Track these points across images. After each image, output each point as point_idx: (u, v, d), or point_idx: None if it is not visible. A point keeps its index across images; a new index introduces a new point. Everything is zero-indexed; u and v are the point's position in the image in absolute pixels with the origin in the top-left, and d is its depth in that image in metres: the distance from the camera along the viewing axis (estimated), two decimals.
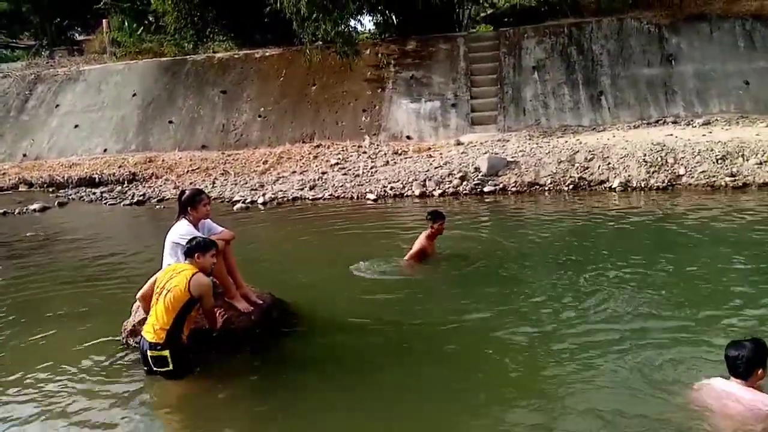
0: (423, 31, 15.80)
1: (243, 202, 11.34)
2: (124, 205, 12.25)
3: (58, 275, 7.40)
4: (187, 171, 13.96)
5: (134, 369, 4.60)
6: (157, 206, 11.95)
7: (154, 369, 4.29)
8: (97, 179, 14.17)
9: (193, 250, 4.49)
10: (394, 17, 17.79)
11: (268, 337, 4.90)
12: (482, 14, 19.50)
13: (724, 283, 5.55)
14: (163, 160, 14.76)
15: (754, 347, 3.30)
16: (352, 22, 16.61)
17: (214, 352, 4.70)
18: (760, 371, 3.29)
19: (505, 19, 17.08)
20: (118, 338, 5.05)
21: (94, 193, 13.20)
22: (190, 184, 12.84)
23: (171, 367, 4.24)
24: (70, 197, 13.23)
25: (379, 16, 18.28)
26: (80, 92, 17.88)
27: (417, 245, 6.57)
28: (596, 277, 5.92)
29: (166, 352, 4.23)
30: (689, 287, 5.54)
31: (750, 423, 3.23)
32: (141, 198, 12.54)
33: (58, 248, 8.98)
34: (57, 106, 17.81)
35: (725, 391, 3.36)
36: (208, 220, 5.20)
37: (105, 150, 16.19)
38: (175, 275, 4.38)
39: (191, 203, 5.03)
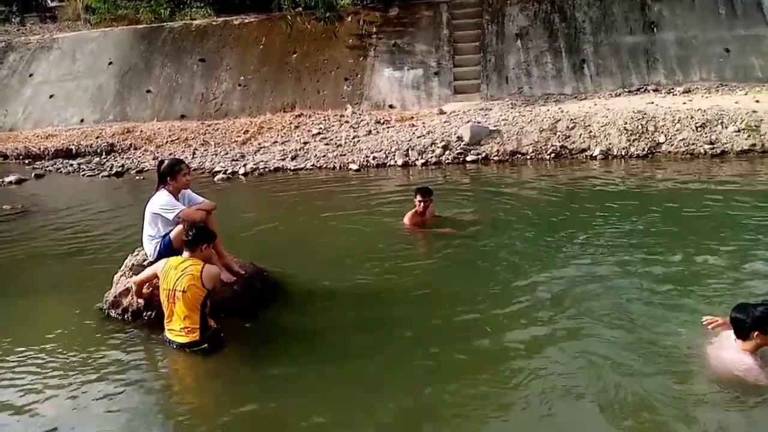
0: None
1: (224, 173, 11.23)
2: (102, 176, 12.06)
3: (36, 248, 7.32)
4: (167, 141, 13.75)
5: (115, 340, 4.61)
6: (137, 177, 11.80)
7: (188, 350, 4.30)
8: (74, 150, 13.88)
9: (199, 241, 4.39)
10: None
11: (252, 308, 4.91)
12: None
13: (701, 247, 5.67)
14: (141, 131, 14.51)
15: (750, 312, 3.48)
16: None
17: None
18: (755, 334, 3.46)
19: None
20: (100, 307, 5.02)
21: (71, 165, 12.97)
22: (170, 154, 12.66)
23: (207, 348, 4.28)
24: (46, 169, 12.98)
25: None
26: (54, 61, 17.41)
27: (406, 220, 6.71)
28: (571, 241, 6.05)
29: (205, 345, 4.27)
30: (669, 253, 5.65)
31: (724, 376, 3.53)
32: (120, 169, 12.35)
33: (36, 221, 8.85)
34: (30, 75, 17.33)
35: (719, 343, 3.69)
36: (188, 190, 5.16)
37: (81, 120, 15.86)
38: (182, 275, 4.26)
39: (171, 173, 4.98)
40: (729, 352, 3.58)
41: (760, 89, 11.85)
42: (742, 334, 3.51)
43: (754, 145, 9.75)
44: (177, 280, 4.26)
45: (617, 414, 3.38)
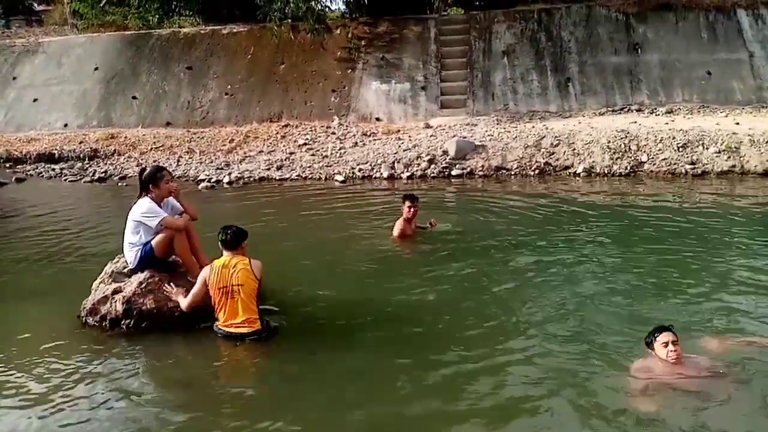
0: (394, 12, 15.68)
1: (208, 182, 11.17)
2: (84, 182, 11.94)
3: (14, 253, 7.18)
4: (151, 148, 13.66)
5: (93, 346, 4.53)
6: (119, 183, 11.69)
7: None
8: (56, 155, 13.74)
9: (240, 239, 4.60)
10: None
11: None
12: None
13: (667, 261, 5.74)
14: (125, 137, 14.39)
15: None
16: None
17: (175, 331, 4.66)
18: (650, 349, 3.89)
19: (476, 2, 17.05)
20: (78, 314, 4.94)
21: (53, 170, 12.83)
22: (154, 161, 12.55)
23: (266, 336, 4.49)
24: (28, 173, 12.82)
25: None
26: (39, 65, 17.25)
27: (396, 230, 6.80)
28: (552, 256, 6.09)
29: (265, 333, 4.47)
30: (645, 271, 5.72)
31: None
32: (102, 175, 12.24)
33: (16, 225, 8.72)
34: (14, 78, 17.15)
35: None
36: (172, 198, 5.12)
37: (65, 125, 15.70)
38: (234, 271, 4.45)
39: (153, 180, 4.94)
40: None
41: (740, 112, 12.09)
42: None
43: (733, 166, 9.92)
44: (232, 276, 4.43)
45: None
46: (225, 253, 4.58)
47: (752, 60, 13.29)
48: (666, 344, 3.76)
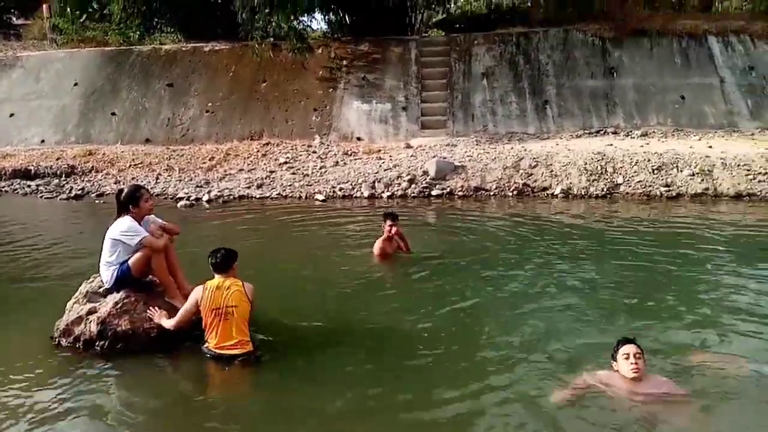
0: (376, 33, 15.86)
1: (187, 199, 11.10)
2: (61, 199, 11.78)
3: None
4: (130, 165, 13.54)
5: (66, 369, 4.44)
6: (96, 201, 11.55)
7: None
8: (33, 171, 13.53)
9: (230, 261, 4.58)
10: (347, 17, 17.78)
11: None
12: (434, 19, 19.71)
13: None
14: (104, 154, 14.26)
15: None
16: (306, 19, 16.55)
17: (151, 353, 4.59)
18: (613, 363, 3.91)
19: (457, 25, 17.32)
20: (50, 335, 4.85)
21: (29, 186, 12.64)
22: (132, 179, 12.47)
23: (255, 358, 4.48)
24: (3, 189, 12.62)
25: (332, 15, 18.23)
26: (17, 79, 17.06)
27: (376, 249, 6.81)
28: (530, 277, 6.17)
29: (257, 354, 4.48)
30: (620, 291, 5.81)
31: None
32: (79, 192, 12.08)
33: None
34: None
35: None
36: (152, 215, 5.08)
37: (43, 141, 15.51)
38: (228, 293, 4.45)
39: (132, 201, 4.89)
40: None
41: (712, 135, 12.40)
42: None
43: (707, 188, 10.14)
44: (225, 297, 4.42)
45: None
46: (217, 275, 4.56)
47: (723, 85, 13.66)
48: (627, 356, 3.73)
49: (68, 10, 19.19)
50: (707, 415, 3.65)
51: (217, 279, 4.53)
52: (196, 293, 4.53)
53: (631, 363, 3.70)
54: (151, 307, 4.78)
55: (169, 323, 4.62)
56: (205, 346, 4.48)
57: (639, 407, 3.62)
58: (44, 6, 19.63)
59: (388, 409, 3.92)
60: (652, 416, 3.59)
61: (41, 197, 11.96)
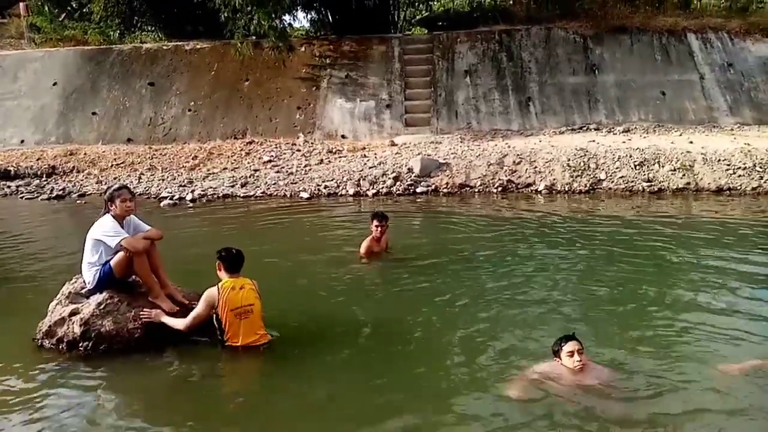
0: (358, 31, 15.84)
1: (170, 199, 11.00)
2: (41, 199, 11.62)
3: None
4: (112, 165, 13.40)
5: (48, 370, 4.39)
6: (78, 201, 11.41)
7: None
8: (12, 172, 13.35)
9: (241, 262, 4.69)
10: (329, 15, 17.75)
11: (195, 338, 4.78)
12: (417, 17, 19.73)
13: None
14: (85, 153, 14.10)
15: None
16: (287, 17, 16.47)
17: (134, 354, 4.55)
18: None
19: (439, 23, 17.35)
20: (33, 337, 4.78)
21: (9, 187, 12.45)
22: (114, 179, 12.35)
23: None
24: None
25: (314, 13, 18.19)
26: None
27: (363, 248, 6.78)
28: (515, 272, 6.20)
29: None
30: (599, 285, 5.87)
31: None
32: (60, 192, 11.93)
33: None
34: None
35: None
36: (134, 217, 5.02)
37: (22, 141, 15.28)
38: (242, 293, 4.56)
39: (110, 199, 4.85)
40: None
41: (693, 131, 12.55)
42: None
43: (688, 183, 10.28)
44: (242, 298, 4.54)
45: None
46: (227, 276, 4.61)
47: (702, 82, 13.85)
48: (572, 354, 3.86)
49: (47, 8, 18.96)
50: (649, 398, 3.76)
51: (230, 281, 4.58)
52: (210, 297, 4.55)
53: (576, 360, 3.85)
54: (145, 309, 4.74)
55: (180, 324, 4.62)
56: (227, 343, 4.54)
57: (584, 396, 3.74)
58: (21, 4, 19.32)
59: (374, 401, 3.93)
60: (598, 403, 3.69)
61: (22, 198, 11.80)
